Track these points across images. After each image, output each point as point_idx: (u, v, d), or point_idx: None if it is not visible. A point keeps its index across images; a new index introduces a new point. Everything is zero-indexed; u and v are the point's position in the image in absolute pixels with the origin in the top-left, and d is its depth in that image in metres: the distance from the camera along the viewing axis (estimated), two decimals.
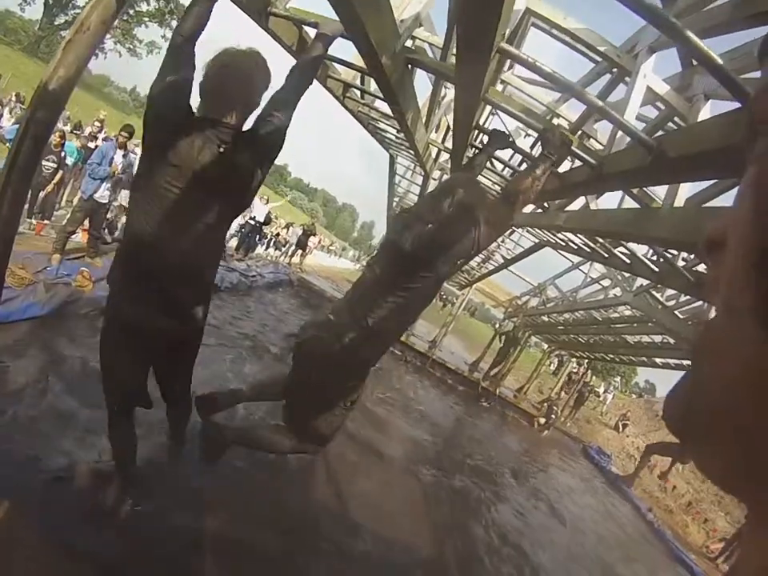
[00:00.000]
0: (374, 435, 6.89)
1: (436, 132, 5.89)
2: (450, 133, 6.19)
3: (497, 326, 21.52)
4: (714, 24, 1.94)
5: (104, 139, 11.11)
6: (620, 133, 2.64)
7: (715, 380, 0.30)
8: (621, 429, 23.65)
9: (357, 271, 29.66)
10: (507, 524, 6.74)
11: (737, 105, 1.83)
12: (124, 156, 7.76)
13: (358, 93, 4.81)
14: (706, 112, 2.40)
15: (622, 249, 5.11)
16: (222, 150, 2.13)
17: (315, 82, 2.56)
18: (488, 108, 4.88)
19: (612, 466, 15.95)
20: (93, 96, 40.87)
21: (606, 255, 5.40)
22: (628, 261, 5.03)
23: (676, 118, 2.87)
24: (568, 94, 3.48)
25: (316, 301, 15.13)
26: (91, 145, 10.88)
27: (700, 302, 6.66)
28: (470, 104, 2.58)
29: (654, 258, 4.75)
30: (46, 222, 7.96)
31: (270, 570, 3.41)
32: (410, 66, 2.90)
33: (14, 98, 14.21)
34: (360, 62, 3.84)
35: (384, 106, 5.09)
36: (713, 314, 0.33)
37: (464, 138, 3.45)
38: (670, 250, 4.20)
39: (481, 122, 4.44)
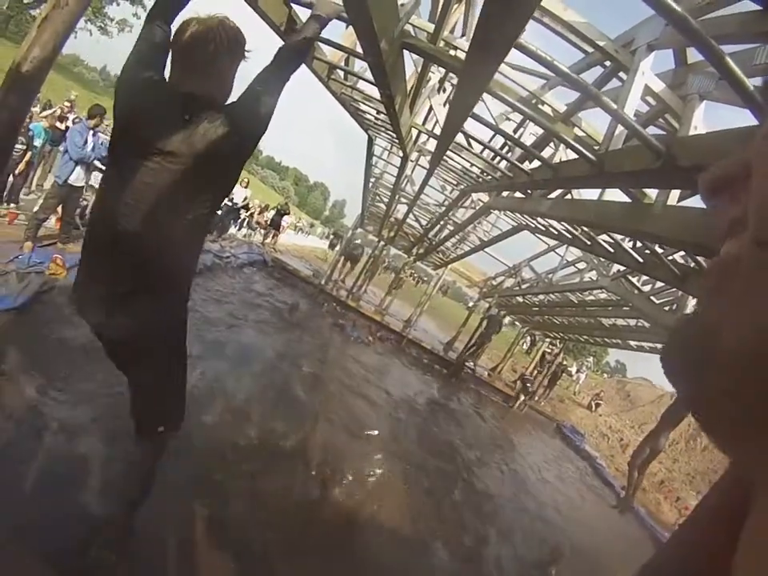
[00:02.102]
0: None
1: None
2: (432, 114, 6.17)
3: (470, 305, 21.66)
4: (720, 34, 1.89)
5: (74, 120, 10.67)
6: (618, 129, 2.59)
7: (743, 324, 0.26)
8: (594, 408, 24.22)
9: (328, 251, 29.56)
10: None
11: (732, 107, 1.81)
12: (94, 135, 7.46)
13: (342, 74, 4.69)
14: (700, 112, 2.38)
15: (605, 237, 5.12)
16: (196, 125, 1.93)
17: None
18: None
19: (585, 444, 16.30)
20: (62, 76, 39.36)
21: (589, 243, 5.41)
22: (611, 249, 5.05)
23: (667, 115, 2.86)
24: (564, 83, 3.42)
25: (291, 280, 15.02)
26: (60, 125, 10.45)
27: (675, 290, 6.81)
28: (474, 93, 2.48)
29: (639, 247, 4.78)
30: (18, 210, 7.63)
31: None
32: (404, 50, 2.79)
33: None
34: (348, 43, 3.72)
35: (367, 88, 4.98)
36: (730, 251, 0.29)
37: (459, 123, 3.35)
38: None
39: None
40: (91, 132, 7.40)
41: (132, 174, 1.90)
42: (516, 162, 4.03)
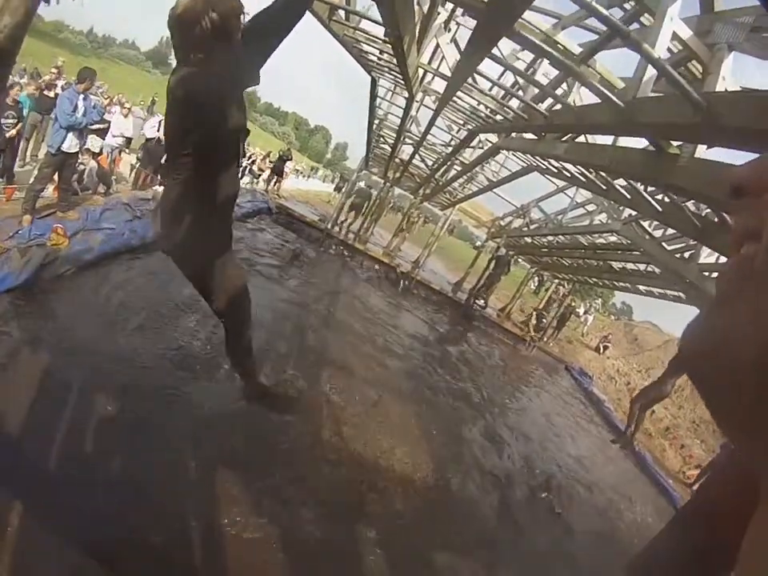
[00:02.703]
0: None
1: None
2: (438, 53, 5.85)
3: (478, 244, 21.46)
4: None
5: (63, 87, 10.28)
6: (647, 75, 2.40)
7: (759, 329, 0.27)
8: (602, 350, 24.27)
9: (333, 193, 29.10)
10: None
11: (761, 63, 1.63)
12: (84, 99, 7.19)
13: (343, 15, 4.40)
14: (728, 64, 2.27)
15: (621, 182, 4.92)
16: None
17: None
18: None
19: (593, 387, 16.44)
20: (48, 43, 38.01)
21: (604, 187, 5.20)
22: (628, 196, 4.85)
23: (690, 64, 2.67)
24: (577, 23, 3.20)
25: (297, 225, 14.90)
26: (50, 93, 10.08)
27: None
28: (495, 34, 2.28)
29: (655, 195, 4.58)
30: (14, 185, 7.44)
31: None
32: None
33: None
34: None
35: (371, 27, 4.69)
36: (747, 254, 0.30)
37: (473, 64, 3.12)
38: None
39: None
40: (81, 96, 7.14)
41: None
42: (532, 104, 3.79)
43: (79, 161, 8.14)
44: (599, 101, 2.88)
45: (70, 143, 7.03)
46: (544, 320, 17.37)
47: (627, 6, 2.89)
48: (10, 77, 12.00)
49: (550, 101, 4.31)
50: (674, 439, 16.46)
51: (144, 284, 6.15)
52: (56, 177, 7.25)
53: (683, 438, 16.85)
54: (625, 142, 3.78)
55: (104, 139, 10.82)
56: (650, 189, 4.56)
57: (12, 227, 5.80)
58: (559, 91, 4.38)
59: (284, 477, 3.87)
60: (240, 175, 12.69)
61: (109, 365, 4.07)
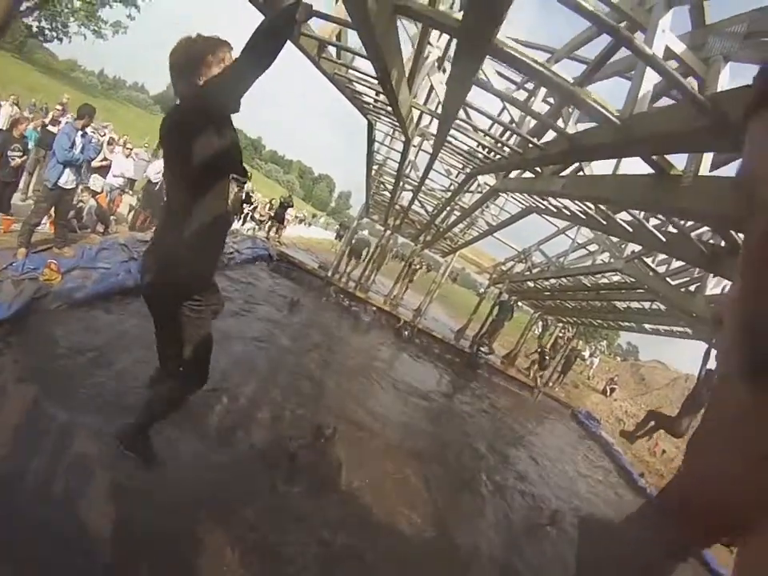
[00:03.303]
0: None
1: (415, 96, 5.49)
2: (433, 95, 5.85)
3: (481, 291, 21.36)
4: None
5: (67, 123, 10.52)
6: (641, 92, 2.30)
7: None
8: (609, 393, 23.77)
9: (335, 241, 29.21)
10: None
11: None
12: (83, 136, 7.24)
13: (334, 53, 4.38)
14: (725, 74, 2.21)
15: (622, 216, 4.80)
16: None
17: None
18: None
19: (601, 430, 15.97)
20: (60, 81, 39.34)
21: (605, 222, 5.08)
22: (630, 229, 4.72)
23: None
24: (570, 56, 3.15)
25: (297, 274, 14.84)
26: (54, 129, 10.26)
27: (692, 270, 6.55)
28: (476, 58, 2.18)
29: (660, 226, 4.46)
30: (12, 218, 7.45)
31: None
32: (397, 16, 2.49)
33: None
34: (338, 14, 3.42)
35: (364, 65, 4.67)
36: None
37: (461, 96, 3.04)
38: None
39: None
40: (80, 133, 7.20)
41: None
42: (527, 136, 3.71)
43: (79, 198, 8.16)
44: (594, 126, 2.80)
45: (67, 179, 7.04)
46: (547, 357, 17.19)
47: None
48: (20, 112, 12.28)
49: (545, 138, 4.26)
50: None
51: (133, 327, 6.00)
52: (53, 212, 7.24)
53: None
54: (625, 169, 3.69)
55: (105, 178, 10.92)
56: (652, 221, 4.45)
57: (6, 259, 5.77)
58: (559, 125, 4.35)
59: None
60: (242, 222, 12.88)
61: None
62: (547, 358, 17.34)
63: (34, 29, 47.71)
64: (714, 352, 6.24)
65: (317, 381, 7.25)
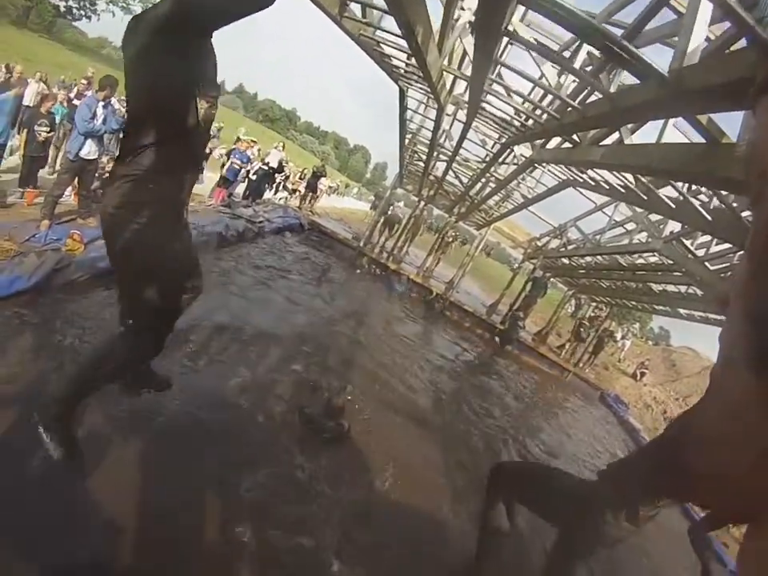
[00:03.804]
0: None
1: (449, 62, 5.19)
2: (467, 60, 5.54)
3: (515, 266, 20.98)
4: None
5: None
6: (692, 45, 2.03)
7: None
8: (639, 377, 23.16)
9: (370, 212, 28.96)
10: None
11: None
12: (105, 107, 7.17)
13: (358, 13, 4.12)
14: None
15: (664, 191, 4.48)
16: None
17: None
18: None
19: (629, 415, 15.60)
20: (91, 59, 39.55)
21: (646, 197, 4.75)
22: (672, 205, 4.39)
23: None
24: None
25: (328, 243, 14.73)
26: (79, 103, 10.26)
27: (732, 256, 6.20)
28: (503, 7, 1.95)
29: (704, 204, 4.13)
30: (36, 190, 7.47)
31: None
32: None
33: (3, 70, 13.53)
34: None
35: (394, 28, 4.40)
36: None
37: (491, 46, 2.78)
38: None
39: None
40: (101, 104, 7.12)
41: None
42: (565, 98, 3.42)
43: (105, 169, 8.14)
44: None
45: (89, 149, 6.99)
46: (583, 329, 16.88)
47: None
48: (46, 88, 12.31)
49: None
50: None
51: None
52: (76, 183, 7.23)
53: None
54: (671, 138, 3.38)
55: None
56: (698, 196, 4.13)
57: (30, 231, 5.79)
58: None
59: None
60: (274, 191, 12.75)
61: None
62: (583, 329, 17.01)
63: (62, 8, 47.97)
64: None
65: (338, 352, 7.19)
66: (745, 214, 3.64)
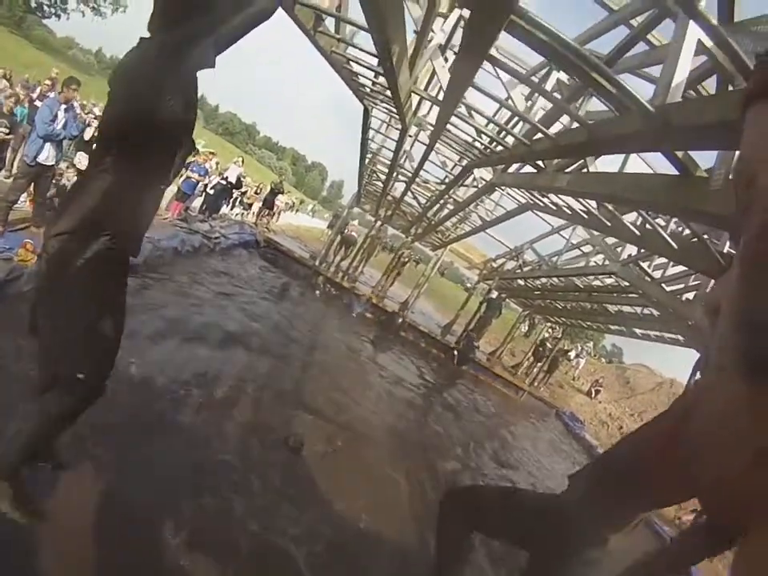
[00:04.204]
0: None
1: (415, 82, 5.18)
2: (434, 81, 5.55)
3: (469, 286, 21.21)
4: None
5: None
6: (675, 81, 2.05)
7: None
8: (593, 395, 23.65)
9: (326, 231, 28.78)
10: None
11: None
12: (66, 111, 6.86)
13: (332, 28, 4.07)
14: None
15: (628, 217, 4.56)
16: None
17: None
18: None
19: (585, 432, 15.89)
20: (56, 59, 38.48)
21: (609, 223, 4.82)
22: (638, 232, 4.47)
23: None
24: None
25: (283, 262, 14.50)
26: (40, 104, 9.87)
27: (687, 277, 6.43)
28: (492, 30, 1.91)
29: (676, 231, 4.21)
30: None
31: None
32: None
33: None
34: None
35: (364, 41, 4.35)
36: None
37: (472, 69, 2.74)
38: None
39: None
40: (63, 107, 6.81)
41: None
42: (538, 125, 3.43)
43: (64, 176, 7.81)
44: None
45: (47, 154, 6.64)
46: (543, 349, 17.40)
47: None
48: (8, 86, 11.78)
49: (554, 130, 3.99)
50: None
51: None
52: (32, 189, 6.91)
53: None
54: (634, 168, 3.43)
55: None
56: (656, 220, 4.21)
57: None
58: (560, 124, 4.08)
59: None
60: (230, 206, 12.46)
61: None
62: (543, 350, 17.43)
63: (33, 3, 46.59)
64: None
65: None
66: (706, 237, 3.72)
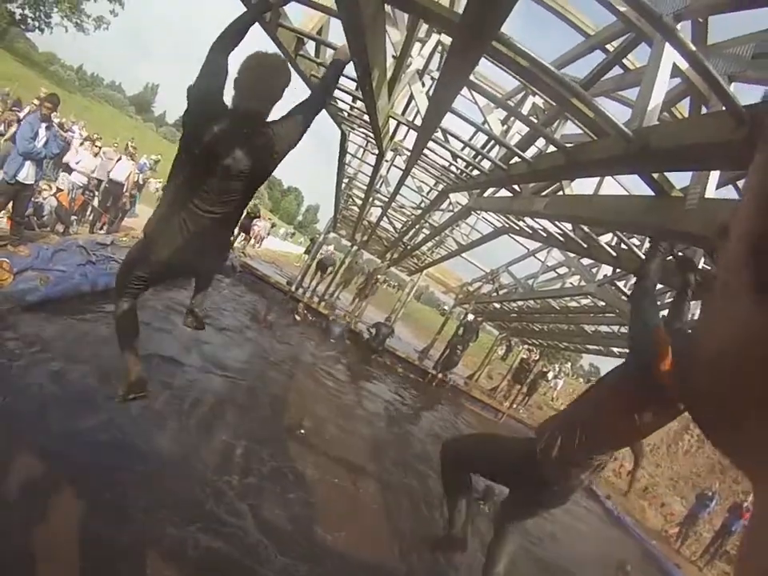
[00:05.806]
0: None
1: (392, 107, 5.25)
2: (411, 107, 5.62)
3: (445, 310, 21.26)
4: None
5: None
6: (652, 104, 2.10)
7: (713, 350, 0.35)
8: None
9: (304, 256, 28.71)
10: None
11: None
12: (48, 129, 6.80)
13: (313, 52, 4.11)
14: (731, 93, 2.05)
15: (605, 239, 4.63)
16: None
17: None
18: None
19: None
20: (37, 74, 38.21)
21: (585, 246, 4.90)
22: (614, 254, 4.54)
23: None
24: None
25: (260, 286, 14.41)
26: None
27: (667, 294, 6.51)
28: (474, 55, 1.93)
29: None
30: None
31: None
32: (386, 5, 2.24)
33: None
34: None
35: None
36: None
37: (452, 94, 2.78)
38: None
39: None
40: (45, 125, 6.75)
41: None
42: (515, 149, 3.48)
43: (42, 195, 7.70)
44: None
45: (27, 173, 6.58)
46: (525, 371, 17.50)
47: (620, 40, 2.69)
48: None
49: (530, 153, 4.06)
50: (654, 498, 16.05)
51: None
52: (10, 207, 6.84)
53: (663, 497, 16.40)
54: (609, 190, 3.50)
55: (70, 174, 10.43)
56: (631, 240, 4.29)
57: None
58: (535, 147, 4.15)
59: None
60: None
61: None
62: (523, 372, 17.49)
63: (17, 16, 46.01)
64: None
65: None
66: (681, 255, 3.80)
